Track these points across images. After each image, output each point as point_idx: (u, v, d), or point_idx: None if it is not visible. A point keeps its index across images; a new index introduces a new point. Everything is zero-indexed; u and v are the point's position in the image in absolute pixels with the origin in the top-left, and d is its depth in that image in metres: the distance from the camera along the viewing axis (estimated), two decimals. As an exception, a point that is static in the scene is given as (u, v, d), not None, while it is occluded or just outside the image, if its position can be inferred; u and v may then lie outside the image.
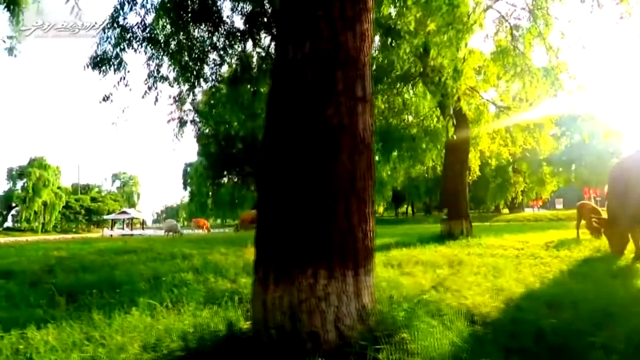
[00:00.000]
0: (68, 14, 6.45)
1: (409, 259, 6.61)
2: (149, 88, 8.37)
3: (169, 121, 9.48)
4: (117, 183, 78.10)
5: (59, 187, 55.44)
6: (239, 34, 10.45)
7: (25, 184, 50.12)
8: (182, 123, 9.59)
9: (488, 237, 10.29)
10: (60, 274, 5.86)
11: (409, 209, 71.67)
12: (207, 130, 16.08)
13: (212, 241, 12.18)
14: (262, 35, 10.87)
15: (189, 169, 39.56)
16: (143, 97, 8.36)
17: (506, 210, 45.02)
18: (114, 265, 6.79)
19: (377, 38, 10.81)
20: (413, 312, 2.46)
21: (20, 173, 50.74)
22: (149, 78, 8.69)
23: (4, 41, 8.72)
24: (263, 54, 10.85)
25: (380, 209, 59.24)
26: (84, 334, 2.75)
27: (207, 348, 2.26)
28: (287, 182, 2.22)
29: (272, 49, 10.72)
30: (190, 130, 10.73)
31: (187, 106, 10.33)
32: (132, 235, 39.30)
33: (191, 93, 9.33)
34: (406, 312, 2.44)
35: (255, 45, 10.79)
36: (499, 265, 5.67)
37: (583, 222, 10.67)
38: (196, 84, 9.48)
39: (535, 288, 4.11)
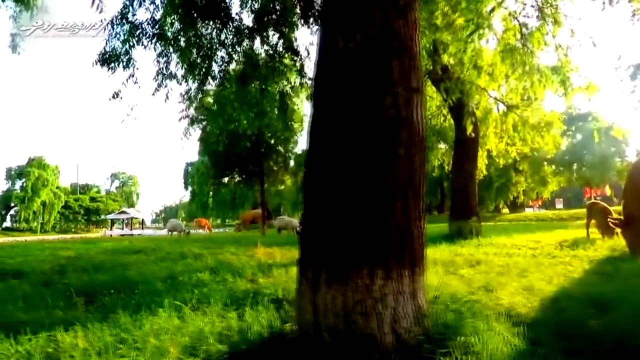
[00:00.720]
0: (88, 9, 6.40)
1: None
2: (159, 85, 8.24)
3: (180, 119, 9.33)
4: (117, 183, 77.85)
5: (57, 187, 55.25)
6: (247, 31, 10.35)
7: (24, 184, 49.88)
8: (193, 120, 9.46)
9: (499, 237, 10.22)
10: (72, 274, 5.73)
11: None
12: (209, 129, 15.92)
13: (218, 241, 12.08)
14: (270, 32, 10.77)
15: (190, 168, 39.44)
16: (153, 94, 8.26)
17: (506, 210, 44.97)
18: (125, 265, 6.67)
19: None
20: (462, 314, 2.36)
21: (19, 173, 50.48)
22: (158, 75, 8.58)
23: (15, 36, 8.62)
24: (271, 52, 10.74)
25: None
26: (114, 337, 2.64)
27: (251, 350, 2.15)
28: (341, 177, 2.11)
29: (280, 47, 10.61)
30: (197, 129, 10.68)
31: (192, 104, 10.25)
32: (131, 235, 39.13)
33: (200, 91, 9.17)
34: (455, 314, 2.34)
35: (263, 42, 10.67)
36: (520, 265, 5.59)
37: (593, 221, 10.65)
38: (205, 82, 9.37)
39: (567, 288, 4.02)
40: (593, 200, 11.04)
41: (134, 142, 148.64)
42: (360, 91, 2.12)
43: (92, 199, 62.46)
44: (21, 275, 5.71)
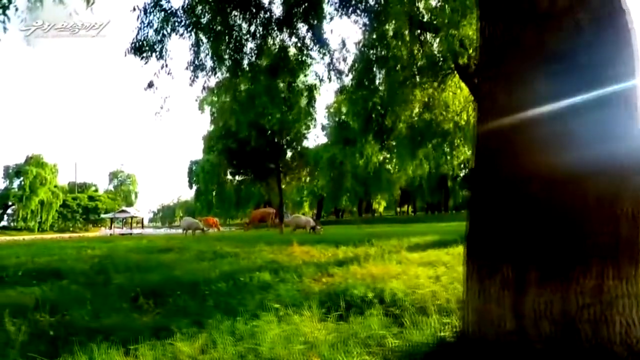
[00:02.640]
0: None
1: None
2: (196, 77, 7.90)
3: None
4: (115, 182, 77.09)
5: (56, 186, 54.53)
6: (277, 22, 10.03)
7: (22, 183, 49.12)
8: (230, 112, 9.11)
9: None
10: (117, 275, 5.37)
11: (409, 208, 71.65)
12: (229, 123, 15.43)
13: (242, 239, 11.71)
14: (300, 24, 10.47)
15: (194, 166, 38.94)
16: (191, 85, 7.90)
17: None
18: (166, 264, 6.33)
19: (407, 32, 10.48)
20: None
21: (17, 171, 49.68)
22: (190, 66, 8.23)
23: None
24: (299, 45, 10.42)
25: (381, 208, 59.06)
26: (234, 346, 2.31)
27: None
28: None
29: (307, 40, 10.29)
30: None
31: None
32: (131, 234, 38.56)
33: (233, 82, 8.84)
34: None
35: (292, 34, 10.36)
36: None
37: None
38: (236, 73, 9.02)
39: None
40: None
41: (131, 141, 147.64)
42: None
43: (91, 198, 61.70)
44: (62, 276, 5.34)
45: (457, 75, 11.89)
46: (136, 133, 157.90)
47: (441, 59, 11.06)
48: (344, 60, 11.59)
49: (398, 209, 72.67)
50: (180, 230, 38.32)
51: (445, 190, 52.26)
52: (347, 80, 11.29)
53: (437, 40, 10.57)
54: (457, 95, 12.14)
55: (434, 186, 51.48)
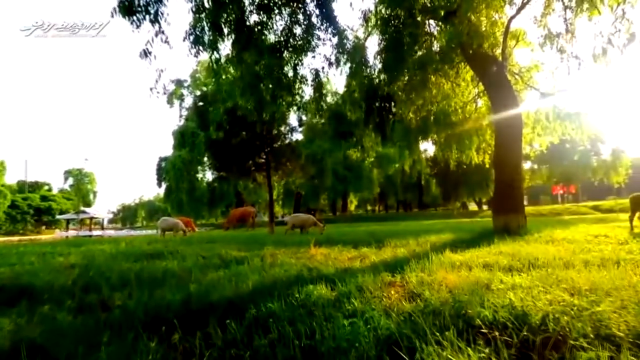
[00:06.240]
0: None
1: (536, 259, 5.36)
2: (198, 51, 6.59)
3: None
4: (70, 180, 71.53)
5: (3, 185, 49.52)
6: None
7: (-38, 181, 44.09)
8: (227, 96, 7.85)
9: (552, 232, 9.44)
10: (113, 293, 4.07)
11: (379, 207, 72.11)
12: (214, 113, 13.90)
13: (235, 241, 10.39)
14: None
15: (163, 163, 36.32)
16: (196, 55, 6.56)
17: (486, 207, 45.93)
18: (173, 274, 5.02)
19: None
20: None
21: (-44, 168, 44.52)
22: (189, 37, 6.91)
23: None
24: (306, 22, 9.34)
25: (352, 207, 58.75)
26: None
27: None
28: None
29: (314, 18, 9.28)
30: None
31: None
32: (90, 236, 35.50)
33: (238, 58, 7.60)
34: None
35: (298, 10, 9.27)
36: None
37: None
38: (239, 49, 7.77)
39: None
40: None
41: (89, 137, 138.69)
42: None
43: (43, 198, 56.83)
44: (37, 296, 3.95)
45: (467, 66, 11.29)
46: (93, 129, 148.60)
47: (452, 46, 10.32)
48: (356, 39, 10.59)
49: (369, 208, 72.90)
50: (148, 232, 35.83)
51: (420, 188, 52.75)
52: (353, 64, 10.32)
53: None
54: (468, 87, 11.56)
55: (408, 185, 51.88)
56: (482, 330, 2.37)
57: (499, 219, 10.26)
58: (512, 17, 10.60)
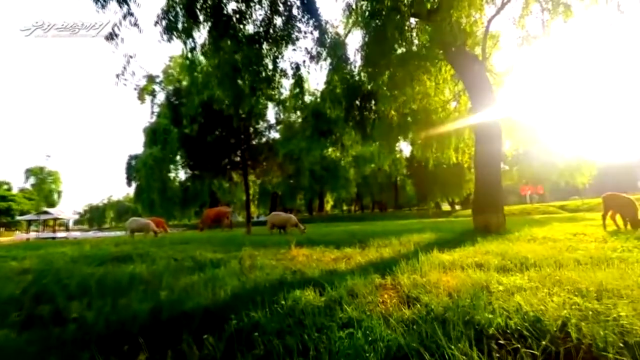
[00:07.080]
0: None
1: (526, 259, 5.25)
2: (170, 37, 6.07)
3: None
4: (32, 179, 67.52)
5: (-45, 183, 46.19)
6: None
7: None
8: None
9: (530, 230, 9.49)
10: (70, 303, 3.56)
11: (355, 207, 72.37)
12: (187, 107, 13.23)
13: (209, 242, 9.84)
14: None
15: (134, 161, 34.68)
16: (168, 41, 6.02)
17: (458, 207, 46.87)
18: (141, 279, 4.51)
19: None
20: None
21: None
22: (161, 21, 6.37)
23: None
24: (286, 14, 8.96)
25: (328, 207, 58.65)
26: None
27: None
28: None
29: (295, 10, 8.92)
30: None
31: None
32: (54, 238, 33.53)
33: (215, 46, 7.12)
34: None
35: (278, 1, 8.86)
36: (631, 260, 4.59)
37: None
38: (217, 38, 7.28)
39: None
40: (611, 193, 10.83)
41: (53, 135, 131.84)
42: None
43: (2, 198, 53.42)
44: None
45: (448, 65, 11.24)
46: (59, 126, 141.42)
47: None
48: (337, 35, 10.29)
49: (345, 208, 73.01)
50: (117, 233, 34.22)
51: (395, 188, 53.28)
52: (334, 59, 10.02)
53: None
54: (448, 85, 11.51)
55: (384, 186, 52.27)
56: (500, 342, 2.09)
57: (480, 218, 10.24)
58: (492, 17, 10.65)
